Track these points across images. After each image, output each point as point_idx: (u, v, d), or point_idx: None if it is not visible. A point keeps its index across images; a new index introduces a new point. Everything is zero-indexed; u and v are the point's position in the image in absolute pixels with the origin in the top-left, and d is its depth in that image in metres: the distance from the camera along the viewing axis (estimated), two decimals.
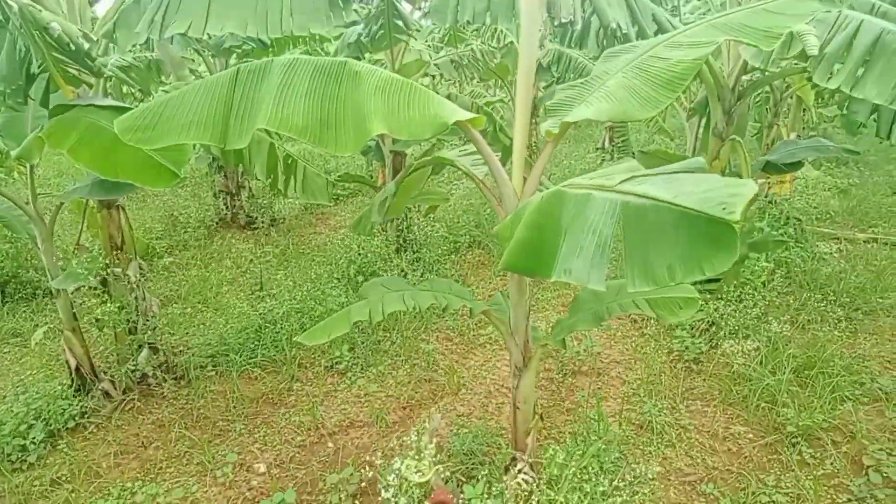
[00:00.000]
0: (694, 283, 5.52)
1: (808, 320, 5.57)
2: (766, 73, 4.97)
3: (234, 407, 4.69)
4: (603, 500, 2.72)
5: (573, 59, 10.02)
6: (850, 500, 3.61)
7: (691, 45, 2.62)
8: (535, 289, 6.73)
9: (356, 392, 4.89)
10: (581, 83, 2.94)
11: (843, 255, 7.26)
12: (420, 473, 2.82)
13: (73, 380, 4.59)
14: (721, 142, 5.20)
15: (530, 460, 2.95)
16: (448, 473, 3.27)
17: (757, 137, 10.10)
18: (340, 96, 2.50)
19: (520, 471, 2.79)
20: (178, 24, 3.70)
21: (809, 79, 5.00)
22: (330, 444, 4.29)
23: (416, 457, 2.86)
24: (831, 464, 3.90)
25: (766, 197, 8.34)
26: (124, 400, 4.65)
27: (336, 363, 5.25)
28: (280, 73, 2.54)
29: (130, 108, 3.88)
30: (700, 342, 5.16)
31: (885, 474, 3.71)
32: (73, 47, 3.58)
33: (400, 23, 6.43)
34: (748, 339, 5.16)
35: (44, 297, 6.64)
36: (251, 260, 7.73)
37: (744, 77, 5.09)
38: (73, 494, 3.82)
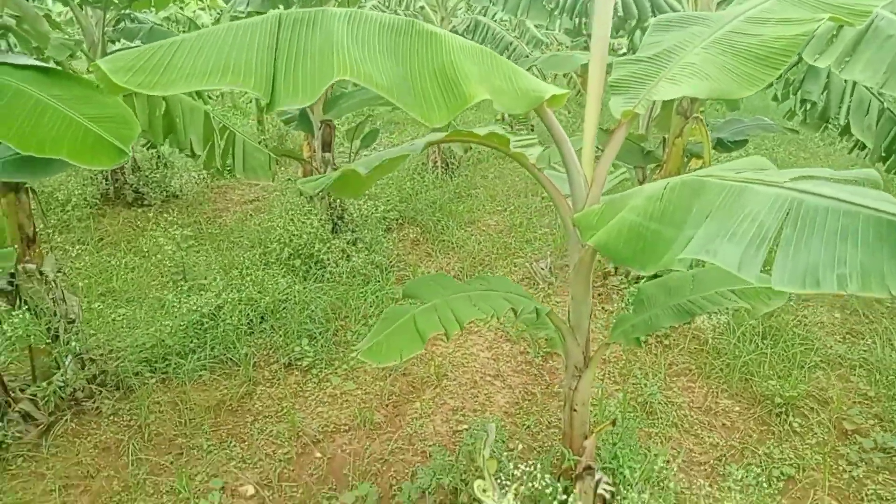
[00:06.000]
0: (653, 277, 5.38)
1: None
2: None
3: (191, 419, 4.03)
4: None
5: (490, 28, 9.81)
6: (849, 464, 3.80)
7: (780, 22, 2.46)
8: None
9: (330, 392, 4.40)
10: (648, 58, 2.68)
11: None
12: (487, 493, 2.50)
13: None
14: (685, 120, 5.22)
15: (599, 466, 2.74)
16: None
17: None
18: (419, 56, 2.06)
19: (598, 482, 2.57)
20: None
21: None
22: (318, 454, 3.81)
23: (480, 475, 2.54)
24: (820, 431, 4.09)
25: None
26: (53, 422, 3.83)
27: (297, 359, 4.70)
28: (343, 24, 2.04)
29: (68, 73, 3.12)
30: None
31: (873, 439, 3.95)
32: None
33: None
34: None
35: None
36: (160, 244, 6.76)
37: None
38: None
